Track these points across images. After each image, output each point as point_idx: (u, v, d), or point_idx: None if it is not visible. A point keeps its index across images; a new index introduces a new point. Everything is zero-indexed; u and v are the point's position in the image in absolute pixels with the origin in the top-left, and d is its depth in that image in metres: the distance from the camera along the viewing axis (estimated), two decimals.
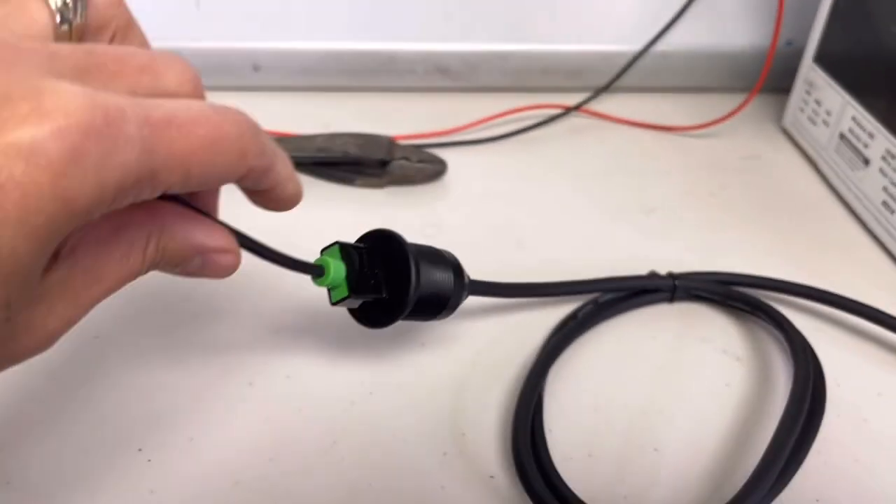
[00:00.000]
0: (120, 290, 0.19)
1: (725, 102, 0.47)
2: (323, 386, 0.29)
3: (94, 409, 0.27)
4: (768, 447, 0.26)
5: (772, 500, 0.25)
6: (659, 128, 0.46)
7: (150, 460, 0.25)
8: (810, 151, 0.44)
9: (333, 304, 0.24)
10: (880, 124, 0.37)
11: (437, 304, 0.26)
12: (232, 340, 0.30)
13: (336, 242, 0.25)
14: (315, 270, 0.24)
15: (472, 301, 0.30)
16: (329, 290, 0.24)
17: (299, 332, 0.31)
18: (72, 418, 0.27)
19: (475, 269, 0.33)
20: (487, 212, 0.39)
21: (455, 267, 0.27)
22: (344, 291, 0.24)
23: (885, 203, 0.37)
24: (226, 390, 0.28)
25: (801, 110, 0.44)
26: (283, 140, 0.40)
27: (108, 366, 0.29)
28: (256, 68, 0.47)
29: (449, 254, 0.28)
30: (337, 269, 0.24)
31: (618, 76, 0.47)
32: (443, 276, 0.26)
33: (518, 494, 0.25)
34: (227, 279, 0.22)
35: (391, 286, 0.25)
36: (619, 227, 0.38)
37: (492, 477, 0.26)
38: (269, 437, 0.27)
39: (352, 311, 0.26)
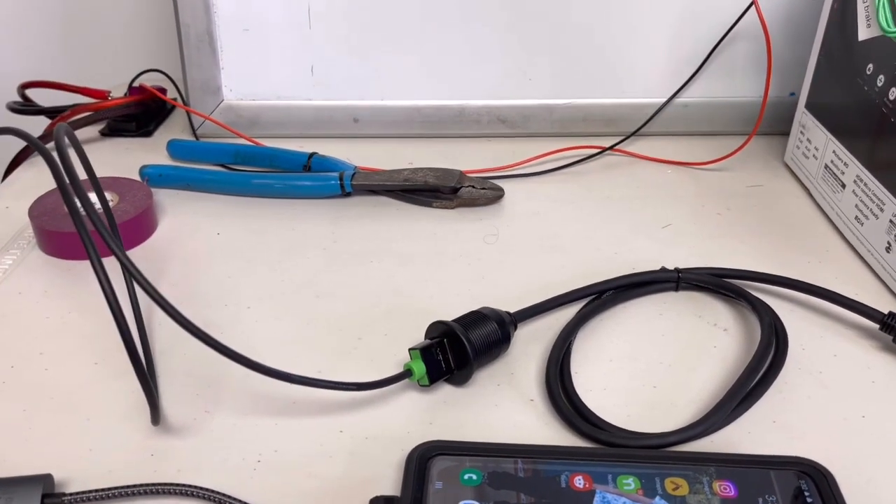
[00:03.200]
0: None
1: (736, 143, 0.57)
2: None
3: None
4: (733, 384, 0.35)
5: (735, 418, 0.34)
6: (678, 163, 0.56)
7: None
8: (804, 180, 0.53)
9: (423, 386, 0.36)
10: (852, 155, 0.46)
11: (494, 349, 0.36)
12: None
13: (415, 348, 0.35)
14: (406, 375, 0.35)
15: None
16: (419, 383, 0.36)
17: None
18: None
19: (524, 270, 0.44)
20: (534, 226, 0.49)
21: (498, 318, 0.37)
22: (426, 381, 0.35)
23: (856, 217, 0.46)
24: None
25: (798, 147, 0.54)
26: (378, 173, 0.52)
27: None
28: (356, 121, 0.59)
29: (491, 310, 0.37)
30: (419, 368, 0.35)
31: (645, 123, 0.58)
32: (489, 330, 0.36)
33: (549, 411, 0.35)
34: None
35: (458, 358, 0.35)
36: (639, 238, 0.48)
37: (531, 400, 0.36)
38: None
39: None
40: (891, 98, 0.43)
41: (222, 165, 0.55)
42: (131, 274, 0.28)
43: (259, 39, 0.57)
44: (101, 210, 0.39)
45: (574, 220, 0.50)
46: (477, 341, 0.36)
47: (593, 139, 0.59)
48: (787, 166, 0.56)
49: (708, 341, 0.39)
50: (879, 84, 0.44)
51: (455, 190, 0.51)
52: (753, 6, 0.51)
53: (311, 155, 0.54)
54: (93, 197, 0.47)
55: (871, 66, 0.45)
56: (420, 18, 0.57)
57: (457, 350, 0.35)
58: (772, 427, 0.34)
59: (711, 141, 0.59)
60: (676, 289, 0.43)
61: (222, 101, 0.59)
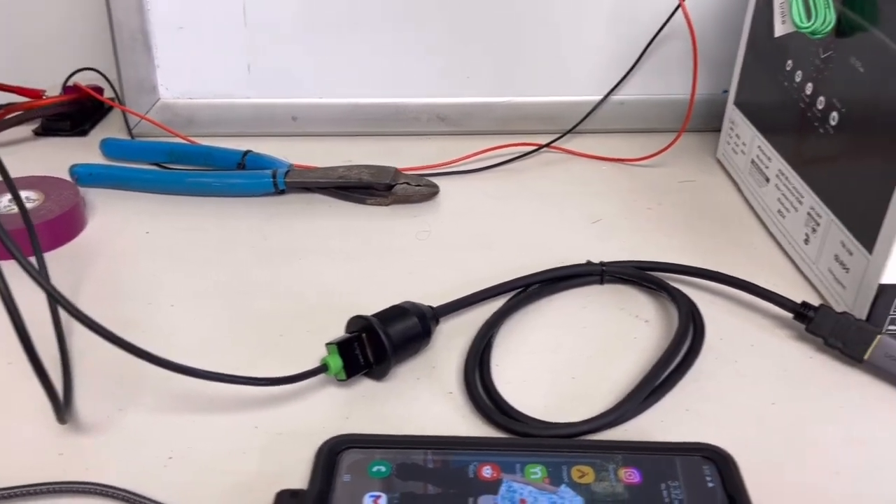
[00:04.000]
0: None
1: (670, 140, 0.58)
2: None
3: None
4: (646, 374, 0.35)
5: (648, 407, 0.34)
6: (613, 160, 0.56)
7: None
8: (734, 175, 0.54)
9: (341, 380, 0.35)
10: (775, 150, 0.47)
11: (414, 343, 0.37)
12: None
13: (332, 343, 0.35)
14: (322, 370, 0.34)
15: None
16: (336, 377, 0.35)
17: None
18: None
19: (454, 266, 0.44)
20: (467, 222, 0.49)
21: (418, 313, 0.37)
22: (343, 376, 0.35)
23: (779, 211, 0.47)
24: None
25: (728, 143, 0.55)
26: (312, 171, 0.52)
27: None
28: (294, 119, 0.59)
29: (412, 305, 0.37)
30: (335, 363, 0.35)
31: (581, 121, 0.58)
32: (409, 325, 0.36)
33: (467, 403, 0.35)
34: None
35: (377, 353, 0.35)
36: (570, 233, 0.48)
37: (450, 392, 0.36)
38: None
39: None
40: (807, 94, 0.44)
41: (157, 164, 0.55)
42: (27, 272, 0.28)
43: (195, 37, 0.57)
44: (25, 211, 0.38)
45: (507, 217, 0.50)
46: (395, 336, 0.36)
47: (532, 136, 0.59)
48: (719, 162, 0.57)
49: (629, 332, 0.40)
50: (797, 80, 0.45)
51: (389, 187, 0.51)
52: (681, 7, 0.52)
53: (246, 153, 0.53)
54: (6, 197, 0.46)
55: (790, 62, 0.46)
56: (358, 16, 0.57)
57: (375, 344, 0.35)
58: (685, 415, 0.35)
59: (647, 138, 0.60)
60: (601, 282, 0.43)
61: (158, 99, 0.58)
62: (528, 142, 0.57)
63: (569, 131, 0.58)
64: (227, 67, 0.58)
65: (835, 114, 0.41)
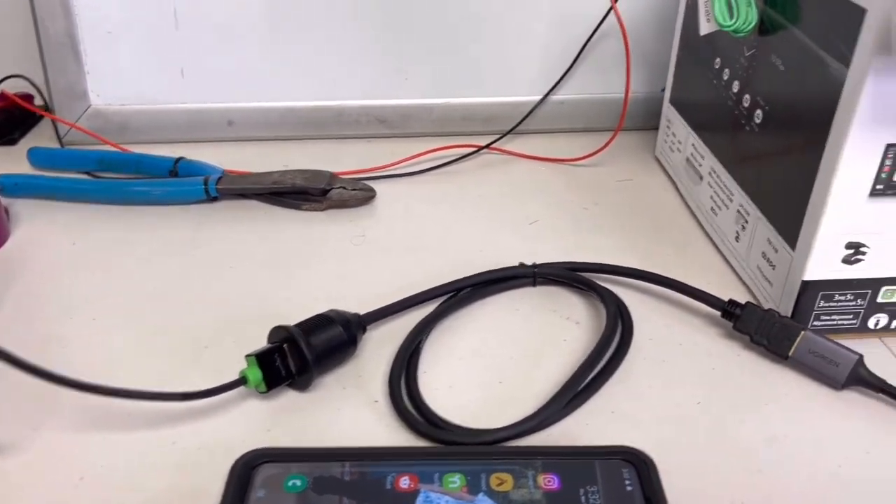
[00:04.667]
0: None
1: (610, 139, 0.58)
2: None
3: None
4: (569, 377, 0.35)
5: (573, 410, 0.34)
6: (552, 160, 0.56)
7: None
8: (671, 173, 0.54)
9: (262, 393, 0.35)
10: (707, 148, 0.47)
11: (338, 353, 0.36)
12: None
13: (251, 355, 0.34)
14: (241, 383, 0.33)
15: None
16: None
17: None
18: None
19: (388, 271, 0.44)
20: (404, 226, 0.49)
21: (343, 321, 0.36)
22: (263, 388, 0.34)
23: (712, 208, 0.47)
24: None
25: (665, 141, 0.55)
26: (246, 177, 0.51)
27: None
28: (230, 123, 0.58)
29: (337, 313, 0.37)
30: (254, 375, 0.34)
31: (521, 122, 0.58)
32: (332, 334, 0.35)
33: (391, 412, 0.35)
34: None
35: (299, 363, 0.34)
36: (506, 235, 0.48)
37: (376, 401, 0.35)
38: None
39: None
40: (735, 92, 0.44)
41: (87, 173, 0.53)
42: None
43: (125, 42, 0.56)
44: None
45: (443, 220, 0.50)
46: (318, 346, 0.35)
47: (473, 138, 0.59)
48: (657, 160, 0.57)
49: (559, 335, 0.40)
50: (725, 78, 0.45)
51: (325, 192, 0.50)
52: (613, 10, 0.52)
53: (178, 160, 0.52)
54: None
55: (718, 60, 0.46)
56: (294, 18, 0.56)
57: (297, 355, 0.35)
58: (610, 417, 0.35)
59: (588, 137, 0.60)
60: (534, 284, 0.43)
61: (89, 106, 0.57)
62: (468, 143, 0.57)
63: (508, 132, 0.58)
64: (160, 72, 0.57)
65: (759, 112, 0.41)
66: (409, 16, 0.57)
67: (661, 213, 0.51)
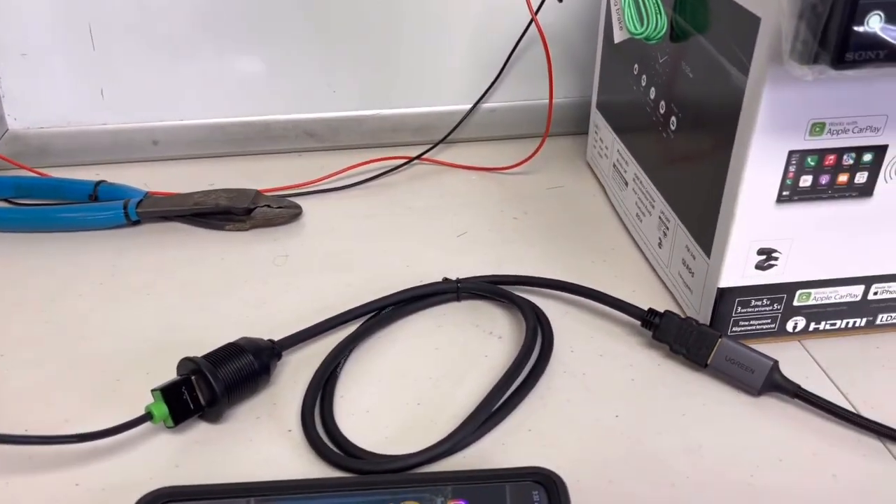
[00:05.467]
0: None
1: (545, 146, 0.57)
2: None
3: None
4: (484, 398, 0.35)
5: (489, 430, 0.34)
6: (483, 169, 0.56)
7: None
8: (601, 179, 0.54)
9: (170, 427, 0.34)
10: (631, 154, 0.47)
11: (250, 382, 0.35)
12: None
13: (156, 389, 0.33)
14: (146, 419, 0.33)
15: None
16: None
17: None
18: None
19: (310, 291, 0.43)
20: (329, 243, 0.48)
21: (254, 349, 0.35)
22: (171, 422, 0.33)
23: (637, 214, 0.47)
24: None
25: (594, 147, 0.55)
26: (168, 198, 0.49)
27: None
28: (155, 143, 0.57)
29: (248, 341, 0.36)
30: (159, 410, 0.33)
31: (451, 131, 0.58)
32: (243, 363, 0.35)
33: (305, 442, 0.34)
34: None
35: (209, 395, 0.34)
36: (433, 249, 0.47)
37: (289, 431, 0.34)
38: None
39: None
40: (652, 98, 0.44)
41: (5, 200, 0.52)
42: None
43: (40, 64, 0.54)
44: None
45: (370, 235, 0.49)
46: (227, 376, 0.34)
47: (405, 149, 0.58)
48: (588, 165, 0.57)
49: (481, 350, 0.39)
50: (644, 84, 0.45)
51: (249, 211, 0.49)
52: (534, 22, 0.52)
53: (98, 183, 0.51)
54: None
55: (636, 66, 0.46)
56: (217, 33, 0.55)
57: (206, 387, 0.34)
58: (527, 436, 0.34)
59: (521, 144, 0.59)
60: (458, 299, 0.43)
61: (7, 130, 0.55)
62: (399, 155, 0.56)
63: (439, 142, 0.57)
64: (79, 93, 0.55)
65: (674, 118, 0.41)
66: (334, 29, 0.56)
67: (590, 220, 0.51)
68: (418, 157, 0.56)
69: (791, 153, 0.33)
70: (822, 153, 0.34)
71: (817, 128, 0.33)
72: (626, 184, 0.49)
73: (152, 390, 0.33)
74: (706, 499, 0.31)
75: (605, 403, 0.36)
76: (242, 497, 0.30)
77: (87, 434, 0.31)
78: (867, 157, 0.34)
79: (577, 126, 0.60)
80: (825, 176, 0.34)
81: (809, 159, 0.34)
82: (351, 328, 0.40)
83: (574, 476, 0.32)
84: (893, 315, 0.39)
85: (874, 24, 0.27)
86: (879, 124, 0.33)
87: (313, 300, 0.43)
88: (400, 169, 0.56)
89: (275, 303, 0.43)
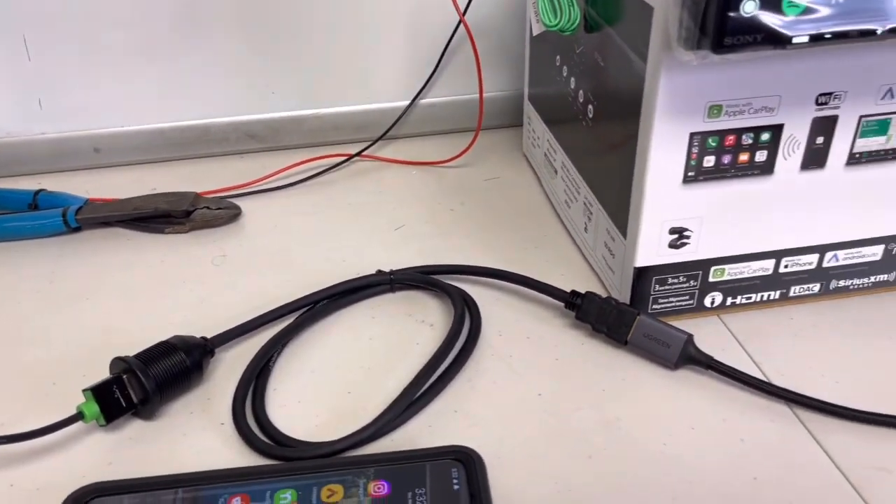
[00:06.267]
0: None
1: (485, 138, 0.59)
2: None
3: None
4: (409, 382, 0.36)
5: (416, 413, 0.35)
6: (422, 163, 0.57)
7: None
8: (536, 169, 0.55)
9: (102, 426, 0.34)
10: (558, 143, 0.49)
11: (182, 379, 0.36)
12: None
13: (87, 389, 0.34)
14: (77, 418, 0.33)
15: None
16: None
17: None
18: None
19: (249, 288, 0.44)
20: (269, 242, 0.49)
21: (186, 347, 0.36)
22: (103, 421, 0.34)
23: (566, 201, 0.48)
24: None
25: (528, 138, 0.56)
26: (108, 205, 0.50)
27: None
28: (97, 150, 0.57)
29: (180, 339, 0.37)
30: (90, 410, 0.34)
31: (390, 127, 0.59)
32: (174, 361, 0.36)
33: (236, 434, 0.35)
34: None
35: (142, 393, 0.34)
36: (371, 243, 0.49)
37: (222, 424, 0.35)
38: None
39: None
40: (572, 88, 0.45)
41: None
42: None
43: None
44: None
45: (309, 232, 0.50)
46: (158, 374, 0.35)
47: (346, 147, 0.59)
48: (525, 156, 0.58)
49: (413, 339, 0.40)
50: (565, 74, 0.46)
51: (188, 213, 0.50)
52: (462, 23, 0.53)
53: (38, 192, 0.51)
54: None
55: (558, 57, 0.47)
56: (153, 39, 0.55)
57: (138, 385, 0.35)
58: (453, 417, 0.36)
59: (459, 138, 0.61)
60: (392, 290, 0.44)
61: None
62: (339, 153, 0.57)
63: (378, 139, 0.58)
64: (16, 104, 0.55)
65: (591, 107, 0.42)
66: (269, 30, 0.56)
67: (524, 209, 0.52)
68: (358, 154, 0.57)
69: (692, 135, 0.35)
70: (721, 134, 0.35)
71: (715, 110, 0.35)
72: (556, 172, 0.50)
73: (83, 390, 0.34)
74: (621, 468, 0.33)
75: (529, 383, 0.37)
76: (170, 489, 0.30)
77: (18, 435, 0.32)
78: (765, 137, 0.36)
79: (514, 118, 0.61)
80: (727, 156, 0.36)
81: (710, 140, 0.35)
82: (286, 323, 0.41)
83: (496, 453, 0.33)
84: (805, 287, 0.41)
85: (749, 8, 0.29)
86: (773, 104, 0.35)
87: (251, 298, 0.44)
88: (341, 166, 0.57)
89: (213, 302, 0.44)
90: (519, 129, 0.61)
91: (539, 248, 0.48)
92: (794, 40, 0.30)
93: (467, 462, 0.31)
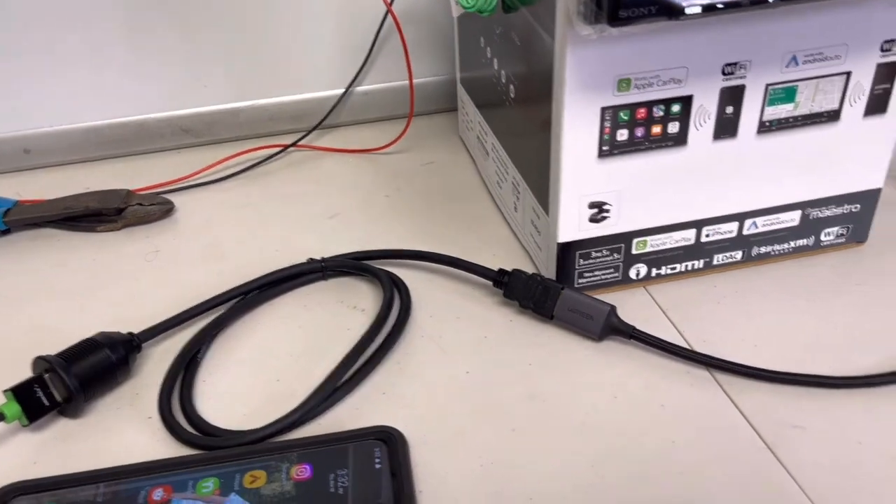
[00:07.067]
0: None
1: (423, 123, 0.59)
2: None
3: None
4: (338, 364, 0.36)
5: (342, 398, 0.35)
6: (359, 151, 0.57)
7: None
8: (471, 151, 0.56)
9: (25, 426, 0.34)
10: (488, 125, 0.49)
11: (108, 376, 0.36)
12: None
13: (7, 390, 0.33)
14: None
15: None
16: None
17: None
18: None
19: (182, 282, 0.44)
20: (202, 236, 0.49)
21: (111, 344, 0.36)
22: (25, 421, 0.34)
23: (497, 182, 0.49)
24: None
25: (463, 121, 0.57)
26: (37, 206, 0.49)
27: None
28: (27, 151, 0.56)
29: (105, 336, 0.36)
30: (11, 410, 0.33)
31: (327, 115, 0.59)
32: (99, 358, 0.35)
33: (164, 427, 0.35)
34: None
35: (66, 391, 0.34)
36: (305, 232, 0.48)
37: (150, 417, 0.35)
38: None
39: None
40: (496, 69, 0.46)
41: None
42: None
43: None
44: None
45: (244, 224, 0.50)
46: (81, 372, 0.35)
47: (283, 137, 0.59)
48: (461, 140, 0.59)
49: (344, 324, 0.41)
50: (489, 56, 0.47)
51: (120, 210, 0.49)
52: (389, 13, 0.53)
53: None
54: None
55: (482, 39, 0.48)
56: (83, 36, 0.55)
57: (60, 384, 0.35)
58: (381, 399, 0.36)
59: (397, 124, 0.61)
60: (324, 278, 0.44)
61: None
62: (274, 143, 0.57)
63: (314, 128, 0.58)
64: None
65: (512, 87, 0.43)
66: (197, 23, 0.56)
67: (460, 192, 0.52)
68: (293, 144, 0.57)
69: (604, 109, 0.36)
70: (632, 107, 0.36)
71: (623, 84, 0.35)
72: (487, 153, 0.50)
73: (3, 391, 0.34)
74: (543, 440, 0.33)
75: (457, 362, 0.38)
76: (91, 484, 0.30)
77: None
78: (675, 108, 0.36)
79: (450, 102, 0.61)
80: (640, 129, 0.37)
81: (622, 114, 0.36)
82: (216, 315, 0.41)
83: (422, 432, 0.34)
84: (728, 255, 0.42)
85: None
86: (681, 76, 0.35)
87: (184, 292, 0.44)
88: (277, 158, 0.57)
89: (144, 298, 0.43)
90: (455, 113, 0.61)
91: (473, 230, 0.48)
92: (687, 10, 0.30)
93: (389, 441, 0.32)
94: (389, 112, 0.61)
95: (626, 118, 0.36)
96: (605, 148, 0.37)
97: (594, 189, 0.38)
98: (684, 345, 0.38)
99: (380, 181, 0.54)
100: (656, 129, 0.37)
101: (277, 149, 0.57)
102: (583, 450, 0.33)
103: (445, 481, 0.32)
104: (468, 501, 0.31)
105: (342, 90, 0.60)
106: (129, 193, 0.50)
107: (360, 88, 0.60)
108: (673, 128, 0.37)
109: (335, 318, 0.41)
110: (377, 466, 0.31)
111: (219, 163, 0.55)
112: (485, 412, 0.35)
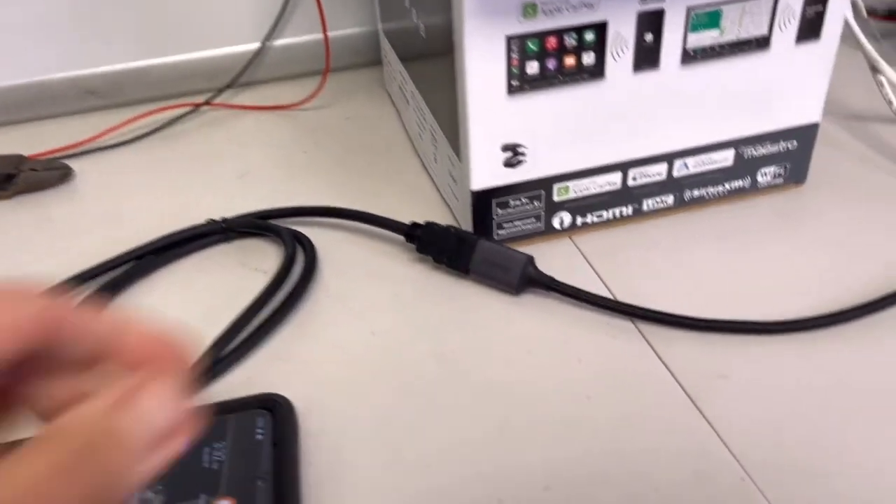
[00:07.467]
0: None
1: (346, 77, 0.56)
2: None
3: None
4: (227, 326, 0.33)
5: (234, 363, 0.32)
6: (278, 108, 0.53)
7: None
8: (396, 104, 0.52)
9: None
10: (406, 72, 0.46)
11: None
12: None
13: None
14: None
15: None
16: None
17: None
18: None
19: (78, 250, 0.41)
20: (101, 202, 0.45)
21: None
22: None
23: (418, 133, 0.46)
24: None
25: (388, 73, 0.53)
26: None
27: None
28: None
29: None
30: None
31: (242, 72, 0.55)
32: None
33: None
34: None
35: None
36: (211, 193, 0.45)
37: None
38: None
39: None
40: (414, 17, 0.42)
41: None
42: None
43: None
44: None
45: (147, 188, 0.46)
46: None
47: (197, 97, 0.55)
48: (387, 93, 0.55)
49: (245, 288, 0.37)
50: (407, 4, 0.43)
51: (10, 177, 0.46)
52: None
53: None
54: None
55: None
56: None
57: None
58: (277, 365, 0.33)
59: (318, 79, 0.57)
60: (227, 240, 0.40)
61: None
62: (186, 102, 0.53)
63: (228, 86, 0.54)
64: None
65: (422, 25, 0.39)
66: None
67: (382, 146, 0.49)
68: (205, 102, 0.53)
69: (509, 39, 0.32)
70: (541, 36, 0.33)
71: (529, 9, 0.32)
72: (408, 103, 0.47)
73: None
74: (448, 400, 0.31)
75: (364, 323, 0.35)
76: None
77: None
78: (589, 37, 0.33)
79: (376, 55, 0.57)
80: (551, 60, 0.33)
81: (530, 44, 0.33)
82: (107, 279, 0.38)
83: (318, 398, 0.31)
84: (659, 200, 0.39)
85: None
86: (593, 0, 0.32)
87: (78, 260, 0.40)
88: (190, 118, 0.53)
89: (35, 268, 0.40)
90: (381, 67, 0.58)
91: (393, 184, 0.45)
92: None
93: (275, 410, 0.29)
94: (310, 67, 0.57)
95: (535, 48, 0.33)
96: (514, 83, 0.33)
97: (506, 129, 0.35)
98: (608, 296, 0.35)
99: (298, 137, 0.50)
100: (570, 61, 0.34)
101: (188, 108, 0.53)
102: (490, 409, 0.30)
103: (339, 450, 0.29)
104: (362, 471, 0.28)
105: (258, 44, 0.56)
106: (22, 159, 0.46)
107: (277, 42, 0.56)
108: (588, 59, 0.34)
109: (237, 281, 0.38)
110: (258, 437, 0.28)
111: (124, 124, 0.51)
112: (388, 375, 0.32)
